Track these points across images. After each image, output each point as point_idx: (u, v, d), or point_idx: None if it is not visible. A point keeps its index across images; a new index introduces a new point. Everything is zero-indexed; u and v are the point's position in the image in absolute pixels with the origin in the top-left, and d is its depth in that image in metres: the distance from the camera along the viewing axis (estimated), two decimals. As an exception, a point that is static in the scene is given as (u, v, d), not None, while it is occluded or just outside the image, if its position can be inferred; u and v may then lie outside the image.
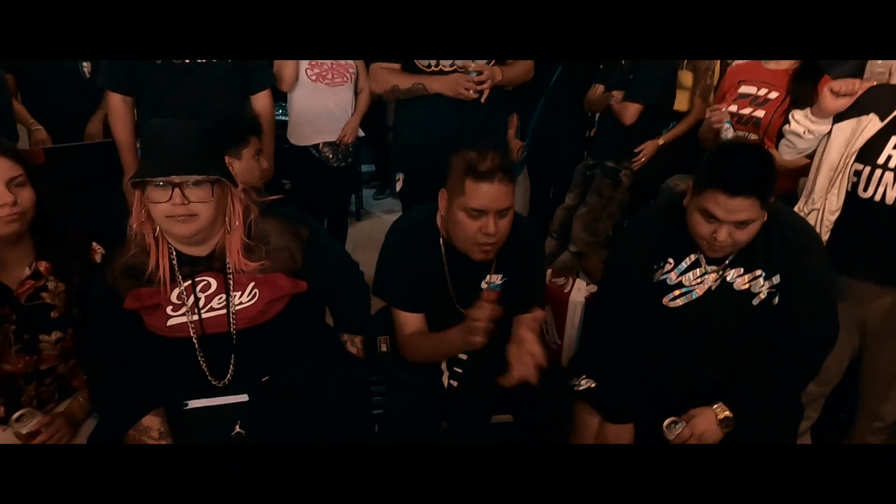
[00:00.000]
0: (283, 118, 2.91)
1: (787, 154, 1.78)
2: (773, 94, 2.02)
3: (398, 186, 2.31)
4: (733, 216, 1.34)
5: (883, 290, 1.66)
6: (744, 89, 2.08)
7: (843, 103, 1.62)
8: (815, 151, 1.73)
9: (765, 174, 1.36)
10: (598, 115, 2.86)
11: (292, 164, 2.77)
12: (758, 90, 2.05)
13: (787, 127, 1.72)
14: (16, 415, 1.36)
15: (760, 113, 2.03)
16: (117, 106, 2.14)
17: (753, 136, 2.03)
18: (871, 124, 1.60)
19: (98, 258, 1.47)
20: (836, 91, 1.61)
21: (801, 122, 1.68)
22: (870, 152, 1.59)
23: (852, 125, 1.63)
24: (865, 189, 1.60)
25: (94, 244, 1.48)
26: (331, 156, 2.82)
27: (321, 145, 2.80)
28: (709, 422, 1.47)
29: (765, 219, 1.41)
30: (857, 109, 1.63)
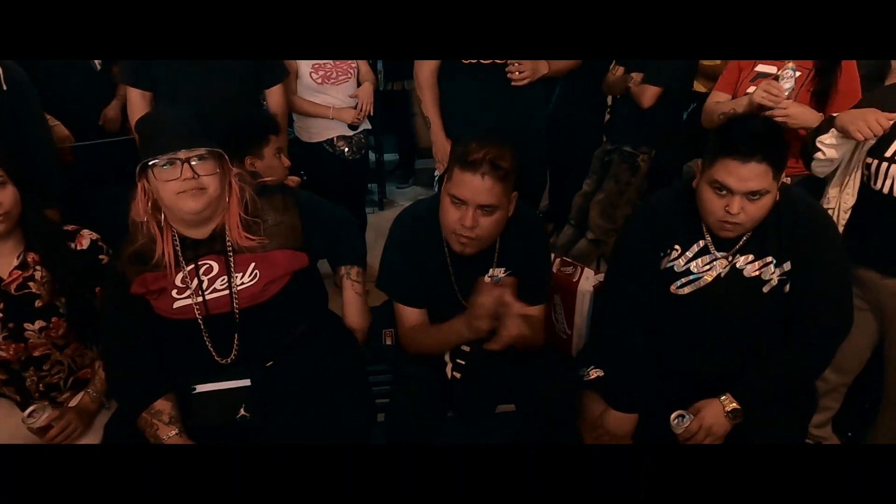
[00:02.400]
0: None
1: (820, 169, 1.72)
2: (797, 73, 1.92)
3: (437, 173, 2.34)
4: (745, 185, 1.32)
5: (892, 281, 1.62)
6: (761, 68, 1.98)
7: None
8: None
9: (776, 140, 1.37)
10: (617, 97, 2.80)
11: (306, 161, 2.79)
12: (778, 69, 1.95)
13: (818, 154, 1.68)
14: (27, 410, 1.43)
15: None
16: (136, 101, 2.19)
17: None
18: None
19: (86, 244, 1.51)
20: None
21: (828, 142, 1.66)
22: (880, 146, 1.59)
23: None
24: (875, 182, 1.60)
25: (84, 230, 1.53)
26: (346, 149, 2.83)
27: (335, 139, 2.81)
28: (716, 414, 1.43)
29: (776, 198, 1.38)
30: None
